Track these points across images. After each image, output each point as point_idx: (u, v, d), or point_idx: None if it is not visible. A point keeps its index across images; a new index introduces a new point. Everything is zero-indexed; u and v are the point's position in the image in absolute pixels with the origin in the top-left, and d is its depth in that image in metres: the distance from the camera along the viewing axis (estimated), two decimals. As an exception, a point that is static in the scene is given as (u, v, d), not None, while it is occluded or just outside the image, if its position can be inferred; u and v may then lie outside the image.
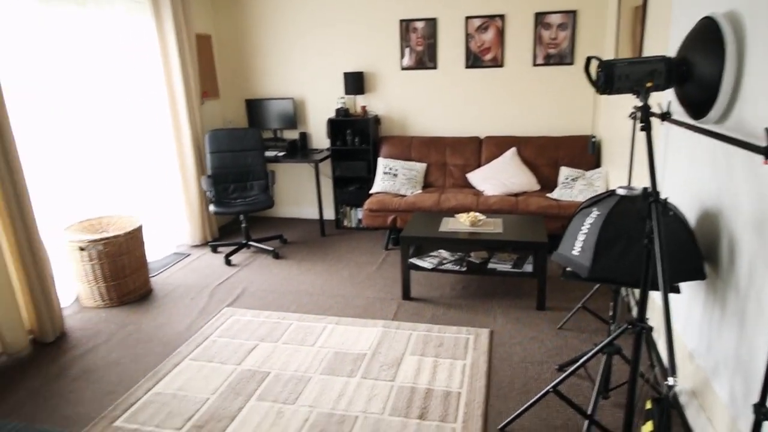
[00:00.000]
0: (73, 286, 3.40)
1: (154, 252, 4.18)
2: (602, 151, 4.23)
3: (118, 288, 3.36)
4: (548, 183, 4.37)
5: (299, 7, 4.76)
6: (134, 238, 3.41)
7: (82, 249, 3.22)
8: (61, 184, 3.37)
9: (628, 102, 3.30)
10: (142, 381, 2.54)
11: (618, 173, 3.64)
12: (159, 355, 2.78)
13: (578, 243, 2.07)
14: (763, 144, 1.53)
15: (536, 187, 4.28)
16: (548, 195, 4.12)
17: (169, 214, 4.39)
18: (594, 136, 4.39)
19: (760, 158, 1.59)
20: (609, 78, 1.69)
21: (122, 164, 3.88)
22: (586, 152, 4.31)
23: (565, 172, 4.25)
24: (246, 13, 4.88)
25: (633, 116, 2.39)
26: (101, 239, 3.23)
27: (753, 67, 1.65)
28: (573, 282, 3.55)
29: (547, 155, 4.40)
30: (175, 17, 4.05)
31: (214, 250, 4.38)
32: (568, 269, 2.15)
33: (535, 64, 4.43)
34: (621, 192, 2.04)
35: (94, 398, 2.43)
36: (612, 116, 3.87)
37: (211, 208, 4.07)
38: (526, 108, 4.56)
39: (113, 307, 3.36)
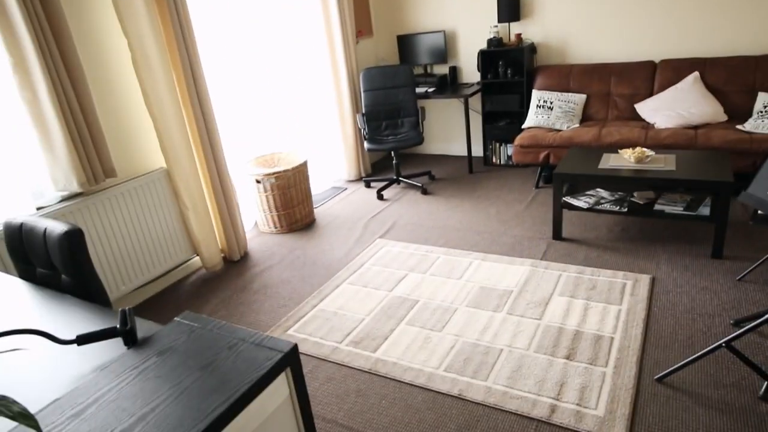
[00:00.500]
0: (253, 213, 3.92)
1: (316, 185, 4.59)
2: (821, 71, 3.42)
3: (287, 217, 3.79)
4: (739, 113, 3.71)
5: (451, -69, 4.51)
6: (300, 172, 3.78)
7: (258, 181, 3.67)
8: (242, 125, 3.82)
9: None
10: (308, 298, 2.90)
11: (842, 98, 2.93)
12: (322, 277, 3.12)
13: (774, 183, 1.76)
14: None
15: (723, 117, 3.66)
16: (738, 127, 3.51)
17: (328, 151, 4.73)
18: (811, 53, 3.55)
19: None
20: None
21: (290, 104, 4.24)
22: (797, 73, 3.53)
23: (763, 98, 3.55)
24: (397, -56, 4.78)
25: None
26: (273, 173, 3.64)
27: None
28: (763, 229, 3.05)
29: (741, 79, 3.70)
30: (330, -43, 4.15)
31: (368, 185, 4.65)
32: (760, 213, 1.85)
33: (734, -33, 3.66)
34: (843, 121, 1.66)
35: (271, 309, 2.85)
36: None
37: (366, 144, 4.28)
38: (716, 22, 3.84)
39: (284, 234, 3.82)
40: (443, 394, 2.09)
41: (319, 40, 4.35)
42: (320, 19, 4.28)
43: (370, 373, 2.26)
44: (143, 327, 1.31)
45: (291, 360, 1.13)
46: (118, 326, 1.23)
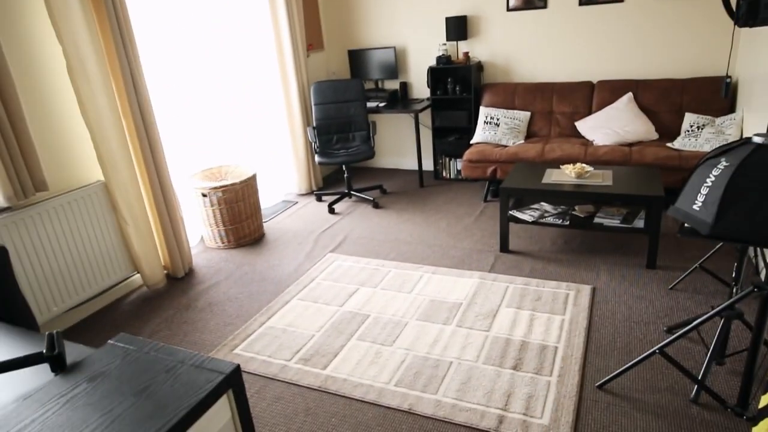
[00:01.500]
0: (198, 228, 3.80)
1: (265, 199, 4.51)
2: (738, 95, 3.72)
3: (235, 231, 3.69)
4: (669, 131, 3.96)
5: (400, -49, 4.61)
6: (249, 185, 3.70)
7: (204, 195, 3.56)
8: (187, 136, 3.71)
9: (777, 35, 2.83)
10: (256, 315, 2.83)
11: (757, 119, 3.19)
12: (271, 293, 3.05)
13: (700, 197, 1.88)
14: None
15: (654, 135, 3.90)
16: (668, 144, 3.74)
17: (278, 164, 4.67)
18: (729, 77, 3.85)
19: None
20: (753, 6, 1.47)
21: (238, 116, 4.16)
22: (716, 96, 3.81)
23: (689, 118, 3.81)
24: (347, -40, 4.84)
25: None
26: (220, 186, 3.54)
27: None
28: (691, 240, 3.25)
29: (669, 100, 3.96)
30: (280, -30, 4.14)
31: (319, 198, 4.61)
32: (686, 225, 1.97)
33: (661, -4, 3.93)
34: (758, 140, 1.80)
35: (216, 328, 2.75)
36: (754, 53, 3.35)
37: (316, 158, 4.26)
38: (648, 47, 4.10)
39: (231, 249, 3.72)
40: (393, 409, 2.08)
41: (268, 53, 4.32)
42: (270, 32, 4.25)
43: (319, 390, 2.22)
44: (74, 351, 1.24)
45: (233, 381, 1.09)
46: (44, 351, 1.15)
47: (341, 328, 2.63)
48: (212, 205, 3.59)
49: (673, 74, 4.10)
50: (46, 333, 1.25)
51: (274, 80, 4.40)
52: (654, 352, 1.93)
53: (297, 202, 4.58)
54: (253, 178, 3.75)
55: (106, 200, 2.97)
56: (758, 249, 2.72)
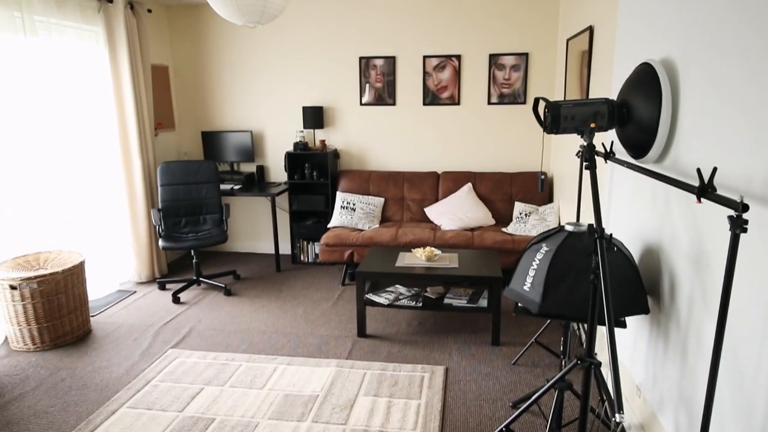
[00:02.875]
0: (1, 327, 3.15)
1: (96, 290, 3.96)
2: (554, 187, 4.35)
3: (52, 329, 3.13)
4: (503, 218, 4.44)
5: (259, 41, 4.77)
6: (74, 274, 3.22)
7: (13, 288, 3.00)
8: (-5, 218, 3.16)
9: (576, 140, 3.42)
10: (71, 432, 2.35)
11: (569, 208, 3.74)
12: (93, 403, 2.58)
13: (529, 278, 2.08)
14: (696, 184, 1.59)
15: (491, 221, 4.34)
16: (503, 230, 4.18)
17: (114, 249, 4.19)
18: (544, 173, 4.52)
19: (694, 197, 1.65)
20: (555, 118, 1.74)
21: (66, 196, 3.69)
22: (537, 189, 4.43)
23: (519, 207, 4.33)
24: (204, 44, 4.85)
25: (579, 154, 2.46)
26: (35, 277, 3.03)
27: (686, 111, 1.73)
28: (525, 318, 3.57)
29: (502, 190, 4.48)
30: (130, 47, 3.98)
31: (162, 287, 4.19)
32: (520, 305, 2.15)
33: (489, 103, 4.57)
34: (569, 228, 2.08)
35: (15, 453, 2.22)
36: (561, 154, 4.00)
37: (161, 243, 3.91)
38: (482, 144, 4.67)
39: (46, 351, 3.13)
40: None
41: (110, 129, 4.00)
42: (113, 108, 3.97)
43: None
44: None
45: None
46: None
47: (180, 438, 2.29)
48: (23, 300, 3.03)
49: (503, 168, 4.68)
50: None
51: (114, 158, 4.06)
52: (501, 431, 1.99)
53: (135, 292, 4.10)
54: (80, 266, 3.29)
55: None
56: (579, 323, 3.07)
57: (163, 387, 2.71)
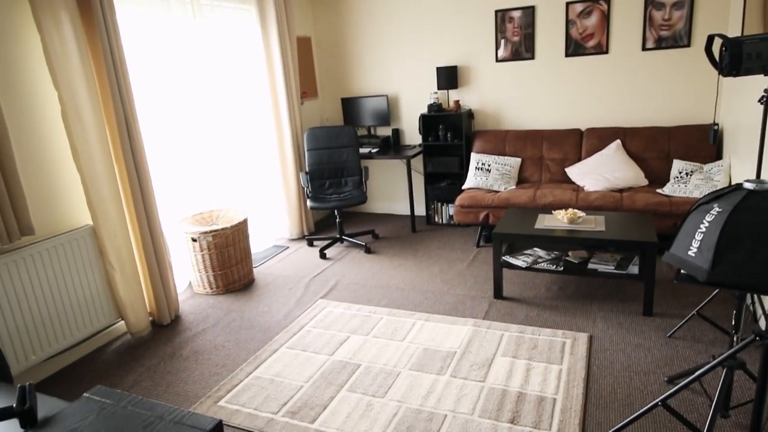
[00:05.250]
0: (186, 274, 3.72)
1: (256, 244, 4.46)
2: (724, 142, 3.80)
3: (224, 277, 3.62)
4: (658, 178, 4.01)
5: (394, 5, 4.79)
6: (240, 230, 3.66)
7: (194, 240, 3.51)
8: (179, 180, 3.69)
9: (759, 84, 2.91)
10: (243, 365, 2.72)
11: (744, 166, 3.24)
12: (259, 341, 2.96)
13: (695, 243, 1.87)
14: None
15: (644, 182, 3.94)
16: (658, 191, 3.78)
17: (270, 209, 4.65)
18: (716, 124, 3.94)
19: None
20: (736, 57, 1.50)
21: (231, 161, 4.17)
22: (703, 143, 3.89)
23: (678, 165, 3.87)
24: (343, 14, 5.01)
25: (764, 100, 2.11)
26: (210, 231, 3.50)
27: None
28: (687, 286, 3.23)
29: (658, 147, 4.03)
30: (278, 21, 4.27)
31: (310, 243, 4.57)
32: (683, 272, 1.95)
33: (644, 49, 4.08)
34: (749, 186, 1.81)
35: (201, 378, 2.64)
36: (738, 102, 3.45)
37: (309, 203, 4.25)
38: (634, 96, 4.22)
39: (220, 295, 3.63)
40: (386, 466, 1.97)
41: (263, 99, 4.38)
42: (265, 79, 4.33)
43: (307, 446, 2.11)
44: (47, 405, 1.16)
45: (214, 439, 1.02)
46: (14, 405, 1.08)
47: (331, 379, 2.53)
48: (202, 250, 3.53)
49: (659, 122, 4.19)
50: (18, 385, 1.18)
51: (268, 126, 4.45)
52: (656, 405, 1.86)
53: (288, 247, 4.53)
54: (244, 222, 3.71)
55: (93, 245, 2.91)
56: (755, 296, 2.69)
57: (315, 332, 3.00)
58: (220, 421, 1.03)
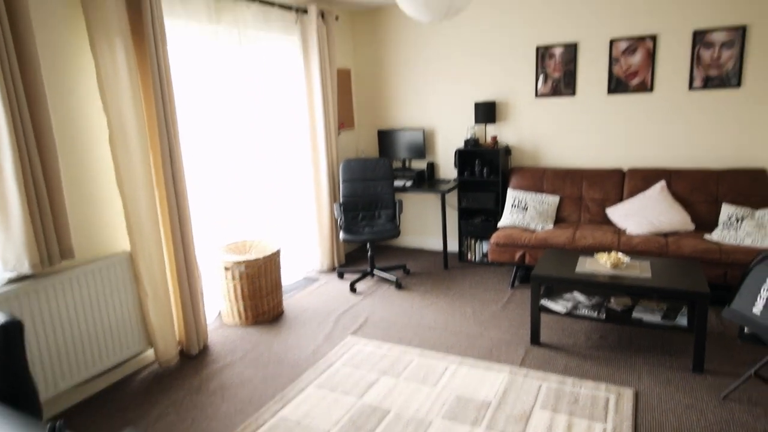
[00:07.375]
0: (217, 303, 3.71)
1: (287, 275, 4.43)
2: (779, 188, 3.60)
3: (254, 308, 3.58)
4: (705, 222, 3.82)
5: (432, 39, 4.82)
6: (272, 261, 3.64)
7: (227, 269, 3.50)
8: (215, 209, 3.71)
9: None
10: (270, 403, 2.65)
11: (803, 215, 3.05)
12: (286, 378, 2.88)
13: (760, 300, 1.73)
14: None
15: (690, 226, 3.76)
16: (706, 236, 3.59)
17: (302, 240, 4.63)
18: (768, 170, 3.76)
19: None
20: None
21: (267, 189, 4.19)
22: (755, 187, 3.71)
23: (727, 209, 3.69)
24: (383, 48, 5.07)
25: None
26: (244, 261, 3.49)
27: None
28: (751, 345, 3.01)
29: (705, 190, 3.86)
30: (320, 52, 4.34)
31: (341, 275, 4.51)
32: (747, 330, 1.80)
33: (691, 88, 3.96)
34: (820, 245, 1.67)
35: (226, 415, 2.58)
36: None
37: (342, 235, 4.21)
38: (679, 137, 4.08)
39: (249, 326, 3.59)
40: None
41: (302, 128, 4.42)
42: (305, 109, 4.38)
43: (333, 497, 2.00)
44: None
45: None
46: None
47: (360, 424, 2.43)
48: (233, 280, 3.51)
49: (706, 164, 4.03)
50: (48, 425, 1.14)
51: (305, 155, 4.47)
52: (717, 479, 1.69)
53: (318, 279, 4.49)
54: (277, 253, 3.69)
55: (129, 270, 2.92)
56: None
57: (344, 371, 2.91)
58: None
